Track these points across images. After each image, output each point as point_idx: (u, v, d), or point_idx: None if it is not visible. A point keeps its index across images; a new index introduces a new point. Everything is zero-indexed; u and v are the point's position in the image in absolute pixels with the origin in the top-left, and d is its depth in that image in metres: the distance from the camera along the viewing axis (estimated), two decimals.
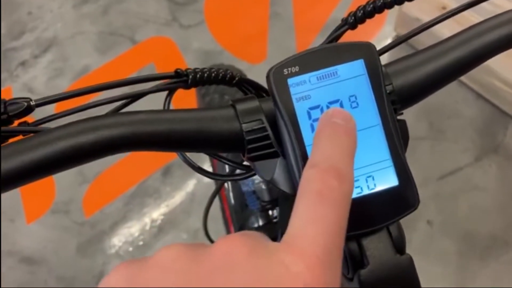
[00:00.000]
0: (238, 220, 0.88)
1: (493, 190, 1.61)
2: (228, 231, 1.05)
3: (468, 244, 1.53)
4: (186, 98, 1.60)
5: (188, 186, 1.67)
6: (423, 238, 1.54)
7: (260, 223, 0.83)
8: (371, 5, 0.45)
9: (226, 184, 0.93)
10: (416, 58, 0.40)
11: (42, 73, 1.91)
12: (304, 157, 0.35)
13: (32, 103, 0.39)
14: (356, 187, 0.36)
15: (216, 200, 1.05)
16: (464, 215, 1.57)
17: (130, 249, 1.58)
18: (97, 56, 1.93)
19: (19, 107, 0.38)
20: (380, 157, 0.36)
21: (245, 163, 0.42)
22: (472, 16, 0.82)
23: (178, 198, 1.66)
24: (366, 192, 0.36)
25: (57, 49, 1.97)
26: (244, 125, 0.38)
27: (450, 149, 1.67)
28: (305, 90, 0.36)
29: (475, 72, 1.58)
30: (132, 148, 0.36)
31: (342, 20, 0.46)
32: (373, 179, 0.36)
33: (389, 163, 0.36)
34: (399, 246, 0.37)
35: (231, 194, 0.90)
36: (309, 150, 0.35)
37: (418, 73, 0.40)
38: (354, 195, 0.36)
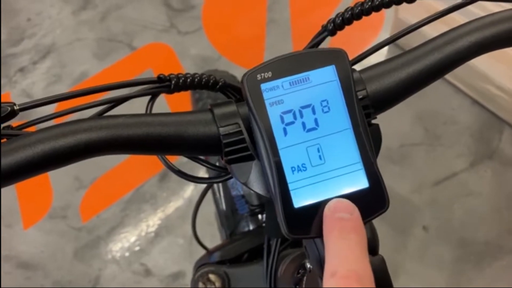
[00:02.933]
0: (229, 225, 0.89)
1: (488, 196, 1.61)
2: (223, 236, 1.06)
3: (464, 249, 1.53)
4: (183, 103, 1.61)
5: (185, 192, 1.67)
6: (419, 244, 1.54)
7: (251, 227, 0.83)
8: (349, 12, 0.46)
9: (217, 190, 0.94)
10: (389, 64, 0.41)
11: (41, 79, 1.93)
12: (277, 161, 0.36)
13: (16, 107, 0.40)
14: (328, 190, 0.36)
15: (213, 206, 1.06)
16: (459, 221, 1.57)
17: (127, 254, 1.59)
18: (95, 62, 1.95)
19: (3, 111, 0.39)
20: (351, 160, 0.37)
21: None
22: (462, 20, 0.82)
23: (174, 203, 1.66)
24: (337, 194, 0.36)
25: (56, 55, 1.98)
26: (221, 129, 0.38)
27: (445, 155, 1.68)
28: (278, 95, 0.37)
29: (471, 78, 1.57)
30: (111, 151, 0.37)
31: (322, 26, 0.47)
32: (344, 181, 0.37)
33: (360, 166, 0.37)
34: (371, 246, 0.38)
35: (222, 200, 0.91)
36: (282, 153, 0.36)
37: (392, 79, 0.40)
38: (325, 197, 0.36)
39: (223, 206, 0.89)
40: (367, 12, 0.47)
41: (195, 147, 0.39)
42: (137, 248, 1.60)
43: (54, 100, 0.41)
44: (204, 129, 0.39)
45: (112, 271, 1.57)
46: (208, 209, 1.08)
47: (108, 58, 1.96)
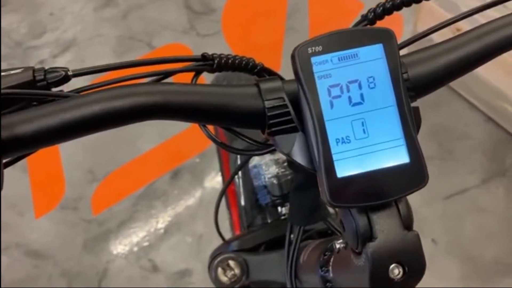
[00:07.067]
0: (247, 218, 0.90)
1: (499, 213, 1.61)
2: (233, 233, 1.07)
3: (472, 265, 1.53)
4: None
5: (196, 191, 1.68)
6: (427, 256, 1.52)
7: (269, 220, 0.84)
8: (390, 2, 0.47)
9: (236, 183, 0.95)
10: (430, 51, 0.43)
11: None
12: (322, 132, 0.37)
13: (70, 73, 0.42)
14: (369, 162, 0.38)
15: (225, 208, 1.06)
16: (468, 236, 1.57)
17: (135, 249, 1.59)
18: (114, 59, 1.97)
19: (58, 75, 0.41)
20: (393, 135, 0.38)
21: (268, 142, 0.44)
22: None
23: (185, 202, 1.67)
24: (378, 167, 0.38)
25: (76, 50, 2.01)
26: (266, 102, 0.40)
27: (457, 170, 1.68)
28: (326, 69, 0.38)
29: (487, 95, 1.57)
30: (162, 116, 0.38)
31: (362, 16, 0.49)
32: (385, 155, 0.38)
33: (402, 141, 0.38)
34: (407, 222, 0.39)
35: (241, 192, 0.92)
36: (327, 125, 0.37)
37: (432, 65, 0.42)
38: (367, 169, 0.38)
39: (242, 199, 0.91)
40: (408, 3, 0.48)
41: (239, 119, 0.40)
42: (145, 244, 1.60)
43: (105, 69, 0.43)
44: (250, 102, 0.40)
45: (119, 264, 1.57)
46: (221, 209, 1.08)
47: (127, 55, 1.98)
